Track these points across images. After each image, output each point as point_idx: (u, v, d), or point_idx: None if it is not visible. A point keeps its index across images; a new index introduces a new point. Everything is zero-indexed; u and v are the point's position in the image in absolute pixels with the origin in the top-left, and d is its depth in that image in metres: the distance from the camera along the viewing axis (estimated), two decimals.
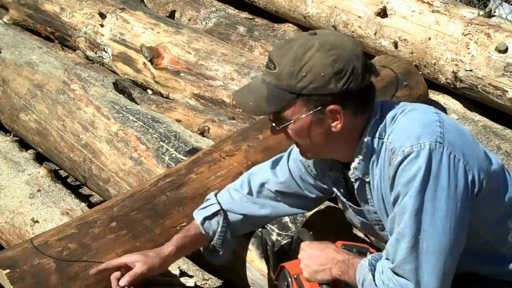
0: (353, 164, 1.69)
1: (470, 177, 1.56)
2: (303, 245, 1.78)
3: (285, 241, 2.27)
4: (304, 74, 1.56)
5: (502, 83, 3.02)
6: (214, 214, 1.97)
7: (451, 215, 1.53)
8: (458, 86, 3.22)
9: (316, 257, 1.73)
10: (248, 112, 1.70)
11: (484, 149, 1.68)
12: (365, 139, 1.65)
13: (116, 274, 1.87)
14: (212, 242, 1.98)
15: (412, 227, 1.54)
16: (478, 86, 3.11)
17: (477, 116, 3.25)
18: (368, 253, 1.74)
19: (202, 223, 1.96)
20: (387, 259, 1.62)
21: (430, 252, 1.54)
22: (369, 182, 1.70)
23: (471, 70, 3.11)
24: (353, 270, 1.68)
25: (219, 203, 1.98)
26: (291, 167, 1.94)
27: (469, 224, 1.59)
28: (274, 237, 2.29)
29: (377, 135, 1.64)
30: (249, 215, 2.00)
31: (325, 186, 1.92)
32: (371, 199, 1.73)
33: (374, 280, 1.63)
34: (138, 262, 1.88)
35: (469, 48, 3.12)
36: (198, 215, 1.99)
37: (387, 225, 1.71)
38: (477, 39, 3.10)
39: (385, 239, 1.81)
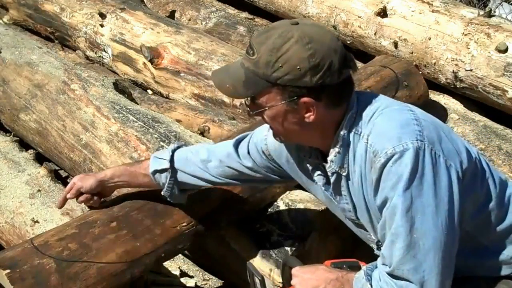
0: (330, 157, 1.70)
1: (452, 171, 1.58)
2: (294, 271, 1.77)
3: (286, 241, 2.27)
4: (280, 65, 1.57)
5: (502, 83, 3.02)
6: (164, 170, 2.06)
7: (440, 210, 1.55)
8: (458, 86, 3.22)
9: (308, 280, 1.73)
10: (224, 94, 1.71)
11: (461, 140, 1.70)
12: (341, 132, 1.66)
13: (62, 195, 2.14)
14: (162, 192, 2.09)
15: (404, 226, 1.55)
16: (478, 86, 3.11)
17: (477, 116, 3.25)
18: (361, 266, 1.74)
19: (153, 173, 2.07)
20: (383, 264, 1.62)
21: (427, 249, 1.55)
22: (347, 177, 1.70)
23: (471, 70, 3.11)
24: (348, 286, 1.68)
25: (171, 161, 2.05)
26: (251, 151, 1.97)
27: None
28: (274, 237, 2.29)
29: (353, 129, 1.65)
30: (198, 182, 2.07)
31: (286, 174, 1.95)
32: (346, 196, 1.74)
33: None
34: (76, 179, 2.11)
35: (469, 48, 3.12)
36: (152, 163, 2.08)
37: (367, 225, 1.72)
38: (477, 39, 3.10)
39: (362, 235, 1.84)
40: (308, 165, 1.82)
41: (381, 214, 1.61)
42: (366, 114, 1.65)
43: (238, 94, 1.67)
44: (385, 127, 1.60)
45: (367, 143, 1.61)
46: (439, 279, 1.56)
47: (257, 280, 1.85)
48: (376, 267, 1.67)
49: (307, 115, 1.62)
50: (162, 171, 2.06)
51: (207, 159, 2.03)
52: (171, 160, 2.05)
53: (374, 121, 1.63)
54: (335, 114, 1.65)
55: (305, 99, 1.60)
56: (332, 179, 1.74)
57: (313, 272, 1.74)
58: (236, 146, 2.00)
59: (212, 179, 2.04)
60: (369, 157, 1.61)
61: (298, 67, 1.56)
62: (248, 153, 1.97)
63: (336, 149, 1.67)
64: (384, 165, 1.55)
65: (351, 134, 1.65)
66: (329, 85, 1.59)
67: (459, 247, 1.63)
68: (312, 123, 1.63)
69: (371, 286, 1.63)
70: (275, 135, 1.76)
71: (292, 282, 1.76)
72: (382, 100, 1.69)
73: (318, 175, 1.79)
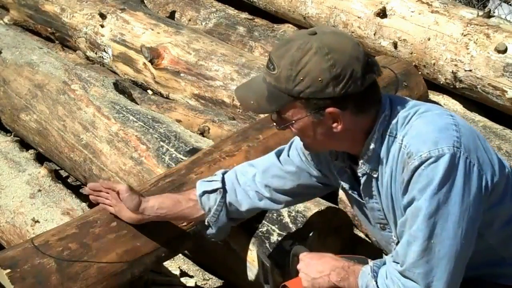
0: (362, 160, 1.68)
1: (483, 182, 1.56)
2: (301, 256, 1.78)
3: (285, 241, 2.27)
4: (301, 78, 1.55)
5: (502, 83, 3.03)
6: (214, 191, 1.98)
7: (463, 220, 1.54)
8: (457, 86, 3.22)
9: (313, 265, 1.73)
10: (249, 110, 1.70)
11: (495, 151, 1.68)
12: (375, 136, 1.64)
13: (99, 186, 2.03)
14: (207, 218, 1.99)
15: (425, 230, 1.54)
16: (478, 86, 3.12)
17: (477, 116, 3.26)
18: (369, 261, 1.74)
19: (201, 195, 1.98)
20: (395, 261, 1.62)
21: (441, 256, 1.55)
22: (376, 178, 1.69)
23: (470, 70, 3.11)
24: (354, 277, 1.68)
25: (223, 182, 1.98)
26: (291, 154, 1.94)
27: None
28: (274, 237, 2.29)
29: (388, 132, 1.63)
30: (247, 204, 2.00)
31: (325, 177, 1.91)
32: (377, 196, 1.72)
33: (377, 286, 1.63)
34: (120, 197, 1.98)
35: (468, 49, 3.12)
36: (200, 186, 2.00)
37: (391, 224, 1.71)
38: (477, 39, 3.11)
39: (385, 239, 1.81)
40: (333, 167, 1.82)
41: (404, 212, 1.60)
42: (403, 116, 1.63)
43: (262, 109, 1.66)
44: (422, 130, 1.58)
45: (402, 143, 1.59)
46: (446, 287, 1.56)
47: (267, 267, 1.87)
48: (384, 264, 1.67)
49: (334, 125, 1.61)
50: (212, 191, 1.97)
51: (253, 174, 1.98)
52: (223, 181, 1.99)
53: (412, 123, 1.61)
54: (363, 120, 1.63)
55: (330, 109, 1.58)
56: (362, 180, 1.72)
57: (320, 258, 1.74)
58: (278, 154, 1.98)
59: (260, 196, 1.97)
60: (402, 158, 1.59)
61: (319, 79, 1.54)
62: (289, 156, 1.94)
63: (369, 153, 1.65)
64: (417, 168, 1.54)
65: (386, 137, 1.63)
66: (353, 93, 1.57)
67: (475, 258, 1.63)
68: (340, 132, 1.62)
69: (376, 283, 1.63)
70: (306, 147, 1.76)
71: (298, 266, 1.76)
72: (419, 104, 1.67)
73: (344, 177, 1.79)
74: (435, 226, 1.54)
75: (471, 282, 1.70)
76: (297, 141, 1.92)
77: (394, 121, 1.63)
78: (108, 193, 2.01)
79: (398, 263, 1.61)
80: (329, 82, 1.54)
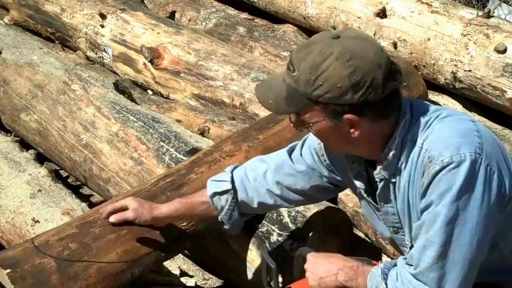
0: (381, 165, 1.66)
1: (502, 190, 1.55)
2: (309, 255, 1.76)
3: (285, 241, 2.27)
4: (320, 83, 1.53)
5: (501, 83, 3.03)
6: (225, 192, 1.97)
7: (480, 227, 1.53)
8: (457, 87, 3.23)
9: (321, 265, 1.72)
10: (267, 109, 1.69)
11: None
12: (395, 141, 1.61)
13: (111, 208, 2.02)
14: (219, 216, 2.00)
15: (442, 236, 1.53)
16: (477, 86, 3.12)
17: (476, 117, 3.26)
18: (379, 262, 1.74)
19: (212, 196, 1.98)
20: (408, 264, 1.61)
21: (455, 262, 1.54)
22: (394, 183, 1.67)
23: (470, 71, 3.11)
24: (363, 278, 1.67)
25: (232, 181, 1.98)
26: (303, 153, 1.92)
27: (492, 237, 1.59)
28: (274, 237, 2.30)
29: (408, 137, 1.61)
30: (258, 201, 1.99)
31: (338, 178, 1.89)
32: (393, 200, 1.71)
33: None
34: (130, 209, 1.99)
35: (468, 49, 3.12)
36: (210, 187, 1.99)
37: (405, 228, 1.69)
38: (476, 39, 3.11)
39: (397, 241, 1.80)
40: (350, 170, 1.80)
41: (421, 215, 1.59)
42: (424, 121, 1.61)
43: (280, 110, 1.65)
44: (444, 134, 1.56)
45: (422, 147, 1.58)
46: None
47: (271, 269, 1.86)
48: (394, 265, 1.66)
49: (351, 130, 1.58)
50: (222, 193, 1.97)
51: (264, 171, 1.97)
52: (232, 181, 1.98)
53: (434, 127, 1.59)
54: (383, 126, 1.61)
55: (348, 116, 1.55)
56: (379, 185, 1.70)
57: (328, 257, 1.73)
58: (290, 152, 1.96)
59: (271, 193, 1.96)
60: (422, 162, 1.57)
61: (338, 85, 1.52)
62: (301, 155, 1.93)
63: (389, 158, 1.63)
64: (437, 172, 1.52)
65: (407, 143, 1.61)
66: (373, 101, 1.54)
67: (487, 266, 1.62)
68: (358, 137, 1.59)
69: (386, 285, 1.62)
70: (326, 148, 1.78)
71: (306, 265, 1.75)
72: (440, 109, 1.65)
73: (360, 181, 1.77)
74: (453, 232, 1.52)
75: (480, 286, 1.70)
76: (310, 140, 1.90)
77: (415, 126, 1.61)
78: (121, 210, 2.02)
79: (411, 265, 1.60)
80: (348, 89, 1.52)
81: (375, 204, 1.77)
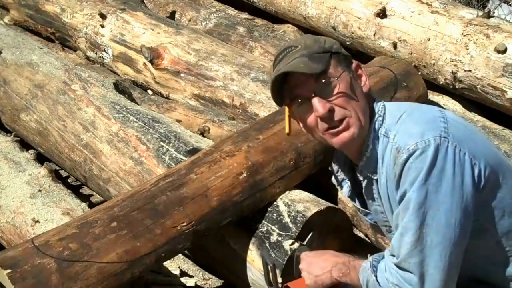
0: (361, 163, 1.71)
1: (476, 170, 1.57)
2: (303, 255, 1.80)
3: (285, 241, 2.27)
4: (324, 40, 1.72)
5: (501, 84, 3.03)
6: None
7: (456, 208, 1.55)
8: (457, 87, 3.22)
9: (315, 264, 1.75)
10: (301, 72, 1.66)
11: (489, 141, 1.71)
12: (371, 135, 1.68)
13: None
14: None
15: (415, 221, 1.56)
16: (477, 86, 3.12)
17: (476, 117, 3.26)
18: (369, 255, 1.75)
19: None
20: (392, 255, 1.64)
21: (434, 245, 1.56)
22: (376, 180, 1.72)
23: (470, 71, 3.11)
24: (355, 272, 1.70)
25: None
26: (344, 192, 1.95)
27: (477, 220, 1.60)
28: (274, 237, 2.30)
29: (382, 132, 1.67)
30: None
31: None
32: (377, 198, 1.75)
33: (377, 280, 1.65)
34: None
35: (468, 49, 3.12)
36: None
37: (393, 223, 1.71)
38: (476, 39, 3.11)
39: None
40: (336, 181, 1.87)
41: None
42: (394, 115, 1.68)
43: (312, 68, 1.66)
44: (410, 124, 1.62)
45: (393, 141, 1.63)
46: (443, 275, 1.57)
47: (269, 267, 1.89)
48: (383, 257, 1.68)
49: (362, 82, 1.72)
50: None
51: None
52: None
53: (402, 121, 1.65)
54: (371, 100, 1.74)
55: (353, 64, 1.72)
56: (363, 184, 1.75)
57: (321, 255, 1.77)
58: None
59: None
60: (393, 154, 1.62)
61: (335, 41, 1.74)
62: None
63: (367, 153, 1.69)
64: (405, 161, 1.56)
65: (381, 138, 1.68)
66: None
67: (482, 257, 1.64)
68: (367, 93, 1.72)
69: (376, 277, 1.65)
70: (353, 133, 1.69)
71: (300, 266, 1.78)
72: (412, 105, 1.73)
73: (345, 186, 1.84)
74: (426, 215, 1.55)
75: (478, 283, 1.71)
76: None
77: (386, 122, 1.68)
78: None
79: (394, 255, 1.62)
80: (340, 46, 1.72)
81: (362, 209, 1.82)
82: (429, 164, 1.53)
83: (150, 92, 3.71)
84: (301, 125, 1.75)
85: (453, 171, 1.54)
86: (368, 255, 1.76)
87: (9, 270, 1.85)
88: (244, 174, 2.32)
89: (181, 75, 3.53)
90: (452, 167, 1.54)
